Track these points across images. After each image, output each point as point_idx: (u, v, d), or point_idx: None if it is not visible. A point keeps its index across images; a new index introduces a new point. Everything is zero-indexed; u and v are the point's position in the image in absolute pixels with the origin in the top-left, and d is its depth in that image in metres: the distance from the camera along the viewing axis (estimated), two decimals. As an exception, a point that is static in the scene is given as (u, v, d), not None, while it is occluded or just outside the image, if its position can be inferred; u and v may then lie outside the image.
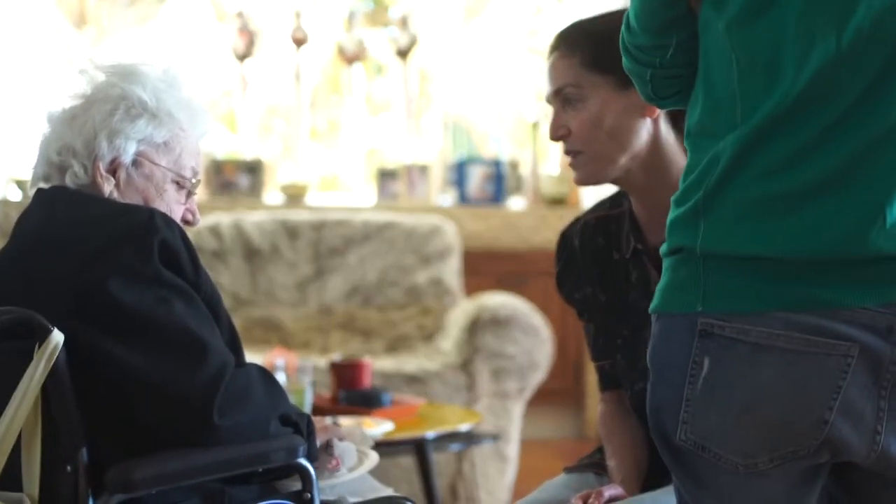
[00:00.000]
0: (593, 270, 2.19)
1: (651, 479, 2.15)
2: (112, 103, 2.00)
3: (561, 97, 2.08)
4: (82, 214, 1.95)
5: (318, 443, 2.08)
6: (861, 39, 1.43)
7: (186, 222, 2.09)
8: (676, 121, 2.07)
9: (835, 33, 1.44)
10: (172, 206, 2.04)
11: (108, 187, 1.99)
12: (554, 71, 2.09)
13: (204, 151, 2.22)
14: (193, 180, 2.07)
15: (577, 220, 2.25)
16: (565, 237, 2.25)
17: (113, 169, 2.00)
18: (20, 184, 5.59)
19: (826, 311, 1.41)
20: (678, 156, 2.07)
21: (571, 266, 2.23)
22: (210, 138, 6.44)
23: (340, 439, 2.15)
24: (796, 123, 1.45)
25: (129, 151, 2.00)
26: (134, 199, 2.01)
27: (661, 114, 2.05)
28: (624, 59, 1.66)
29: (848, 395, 1.42)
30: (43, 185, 2.03)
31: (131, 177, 2.01)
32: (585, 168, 2.08)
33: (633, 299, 2.14)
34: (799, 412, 1.42)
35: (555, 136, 2.09)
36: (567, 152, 2.09)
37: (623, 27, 1.64)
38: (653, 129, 2.06)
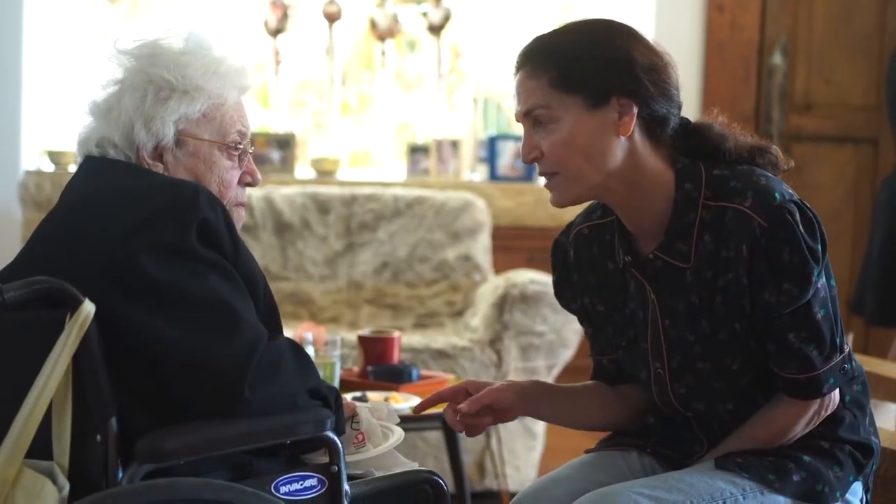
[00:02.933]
0: (590, 281, 2.16)
1: (674, 458, 2.16)
2: (141, 90, 2.00)
3: (531, 118, 2.02)
4: (127, 186, 1.95)
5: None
6: None
7: (248, 184, 2.09)
8: (653, 132, 2.02)
9: None
10: (225, 175, 2.05)
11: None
12: (522, 90, 2.03)
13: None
14: (241, 144, 2.07)
15: (570, 227, 2.21)
16: (559, 246, 2.22)
17: (159, 154, 2.01)
18: (53, 155, 5.61)
19: None
20: (658, 167, 2.03)
21: (567, 276, 2.21)
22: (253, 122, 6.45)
23: (355, 416, 2.15)
24: None
25: (168, 134, 2.00)
26: (184, 177, 2.02)
27: (635, 129, 2.00)
28: None
29: None
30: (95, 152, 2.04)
31: (178, 157, 2.02)
32: (561, 189, 2.03)
33: (630, 310, 2.12)
34: None
35: (528, 159, 2.03)
36: (542, 174, 2.05)
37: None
38: (628, 145, 2.00)
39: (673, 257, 2.03)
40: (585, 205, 2.17)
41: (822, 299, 2.00)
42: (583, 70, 1.99)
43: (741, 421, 2.09)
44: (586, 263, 2.16)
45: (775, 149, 2.09)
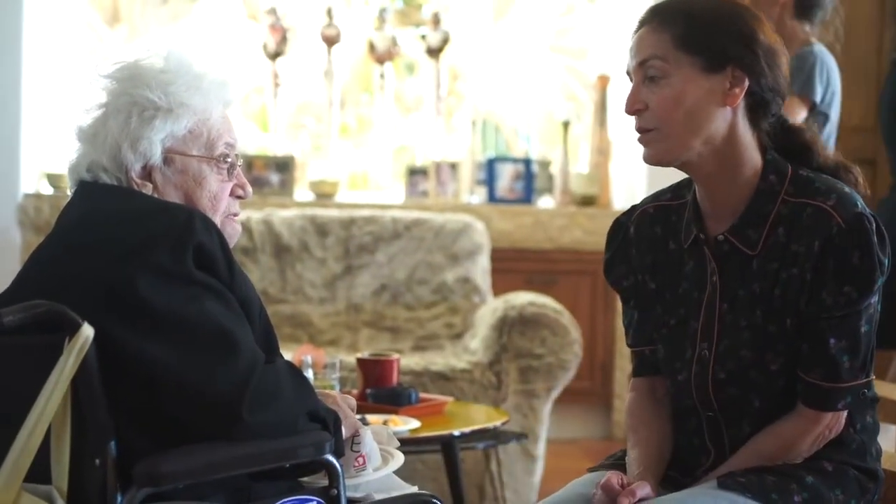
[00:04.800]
0: (647, 259, 2.20)
1: (679, 480, 2.15)
2: (125, 112, 2.01)
3: (643, 70, 2.06)
4: (122, 210, 1.96)
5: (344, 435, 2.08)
6: None
7: (238, 197, 2.09)
8: (755, 117, 2.07)
9: None
10: (216, 189, 2.05)
11: (147, 192, 2.00)
12: (641, 44, 2.07)
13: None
14: (230, 157, 2.07)
15: (634, 208, 2.25)
16: (619, 224, 2.26)
17: (147, 173, 2.01)
18: (51, 178, 5.62)
19: None
20: (751, 150, 2.07)
21: (623, 254, 2.24)
22: (241, 135, 6.47)
23: (356, 436, 2.14)
24: None
25: (156, 153, 2.01)
26: (175, 195, 2.02)
27: (740, 105, 2.05)
28: None
29: None
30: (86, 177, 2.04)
31: (167, 176, 2.02)
32: (657, 146, 2.07)
33: (684, 289, 2.14)
34: None
35: (630, 110, 2.07)
36: (639, 128, 2.08)
37: None
38: (731, 118, 2.05)
39: (741, 243, 2.07)
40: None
41: (870, 316, 2.03)
42: (708, 32, 2.04)
43: (757, 429, 2.08)
44: (646, 240, 2.20)
45: (858, 171, 2.15)
